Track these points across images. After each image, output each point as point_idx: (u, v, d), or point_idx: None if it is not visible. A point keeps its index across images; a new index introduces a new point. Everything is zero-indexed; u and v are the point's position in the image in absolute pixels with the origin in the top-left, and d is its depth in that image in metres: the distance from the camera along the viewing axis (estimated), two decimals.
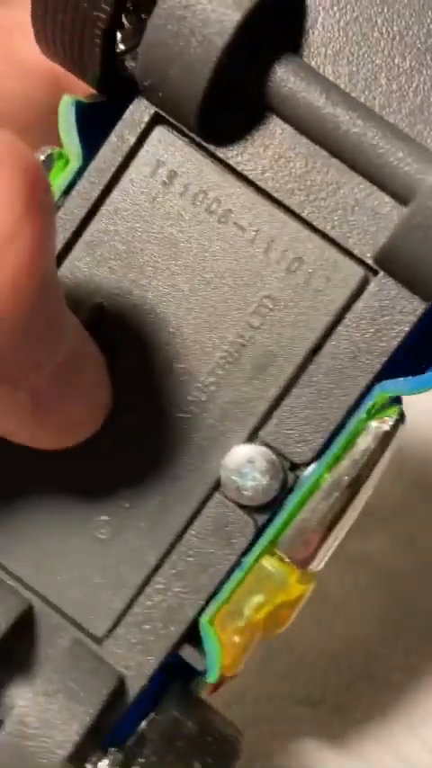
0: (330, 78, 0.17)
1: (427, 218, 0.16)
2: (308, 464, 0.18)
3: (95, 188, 0.18)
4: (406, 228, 0.16)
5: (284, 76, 0.17)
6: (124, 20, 0.17)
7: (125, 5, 0.17)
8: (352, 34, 0.17)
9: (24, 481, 0.19)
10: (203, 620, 0.18)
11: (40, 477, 0.19)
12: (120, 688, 0.18)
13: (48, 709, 0.18)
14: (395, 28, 0.17)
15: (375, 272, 0.17)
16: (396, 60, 0.17)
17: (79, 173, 0.18)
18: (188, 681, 0.19)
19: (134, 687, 0.18)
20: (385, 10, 0.17)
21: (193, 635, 0.18)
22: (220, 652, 0.18)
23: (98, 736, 0.18)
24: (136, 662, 0.18)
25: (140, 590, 0.19)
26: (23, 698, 0.18)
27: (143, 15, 0.17)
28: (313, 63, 0.17)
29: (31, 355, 0.15)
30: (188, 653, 0.19)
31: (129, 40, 0.17)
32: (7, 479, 0.19)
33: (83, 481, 0.19)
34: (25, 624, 0.19)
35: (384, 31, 0.17)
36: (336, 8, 0.17)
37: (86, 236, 0.18)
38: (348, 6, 0.17)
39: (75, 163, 0.18)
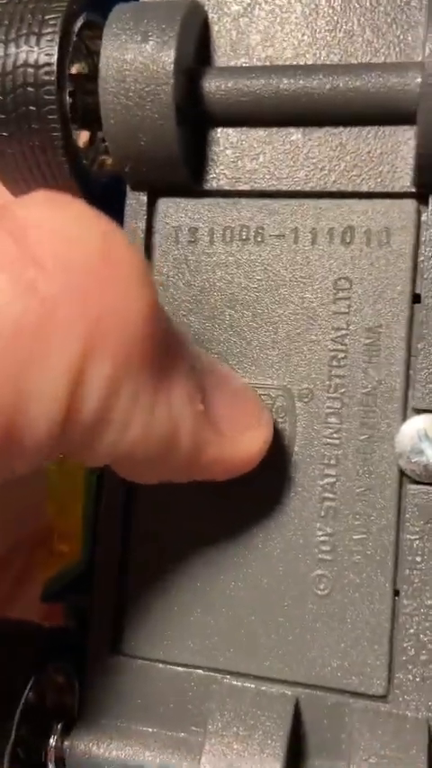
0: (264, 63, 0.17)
1: None
2: None
3: None
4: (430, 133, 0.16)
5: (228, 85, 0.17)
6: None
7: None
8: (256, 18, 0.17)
9: (232, 590, 0.18)
10: None
11: (239, 576, 0.18)
12: None
13: None
14: None
15: (425, 198, 0.17)
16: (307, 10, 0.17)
17: None
18: None
19: None
20: None
21: None
22: None
23: None
24: None
25: (393, 623, 0.17)
26: None
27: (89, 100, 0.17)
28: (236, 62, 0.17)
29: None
30: None
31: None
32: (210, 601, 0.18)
33: (282, 550, 0.18)
34: (301, 722, 0.17)
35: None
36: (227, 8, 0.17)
37: None
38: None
39: None
